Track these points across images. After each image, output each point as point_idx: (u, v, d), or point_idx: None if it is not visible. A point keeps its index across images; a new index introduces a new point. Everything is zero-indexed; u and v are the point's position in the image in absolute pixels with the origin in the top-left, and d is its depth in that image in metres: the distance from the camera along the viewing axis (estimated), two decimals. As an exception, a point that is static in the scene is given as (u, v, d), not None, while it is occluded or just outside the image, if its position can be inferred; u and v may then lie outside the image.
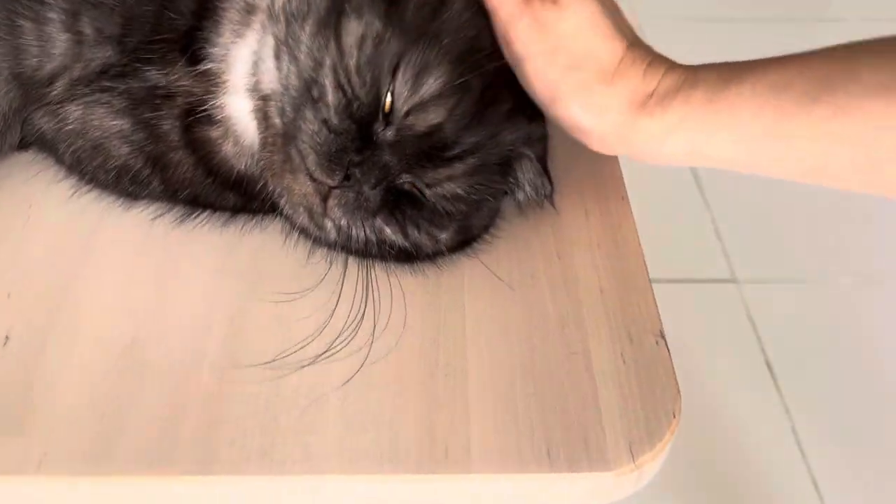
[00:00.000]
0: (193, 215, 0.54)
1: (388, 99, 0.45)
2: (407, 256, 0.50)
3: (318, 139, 0.44)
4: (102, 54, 0.50)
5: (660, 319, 0.49)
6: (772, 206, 1.67)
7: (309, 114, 0.45)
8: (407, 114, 0.45)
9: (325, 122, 0.44)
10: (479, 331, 0.48)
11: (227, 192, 0.53)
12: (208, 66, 0.49)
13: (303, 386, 0.45)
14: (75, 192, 0.55)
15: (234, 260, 0.52)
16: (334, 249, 0.51)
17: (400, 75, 0.44)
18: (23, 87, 0.53)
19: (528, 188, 0.53)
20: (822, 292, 1.63)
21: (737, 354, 1.51)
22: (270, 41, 0.47)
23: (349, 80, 0.44)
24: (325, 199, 0.46)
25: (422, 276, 0.51)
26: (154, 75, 0.50)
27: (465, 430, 0.43)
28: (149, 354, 0.46)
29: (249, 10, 0.49)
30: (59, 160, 0.56)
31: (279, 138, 0.47)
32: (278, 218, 0.54)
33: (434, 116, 0.45)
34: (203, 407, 0.44)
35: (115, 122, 0.51)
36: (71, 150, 0.54)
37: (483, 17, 0.50)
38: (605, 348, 0.47)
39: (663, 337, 0.48)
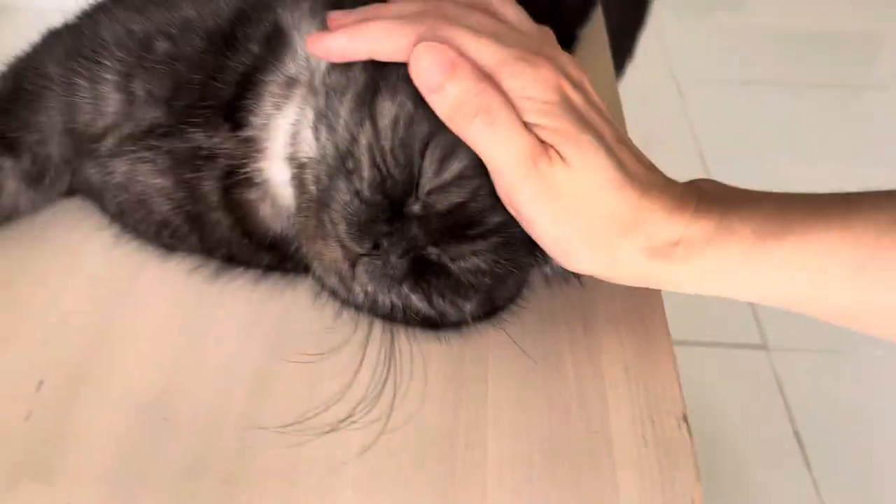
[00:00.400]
0: (227, 271, 0.55)
1: (420, 179, 0.46)
2: (432, 324, 0.51)
3: (349, 209, 0.46)
4: (151, 114, 0.53)
5: (683, 402, 0.49)
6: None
7: (342, 184, 0.46)
8: (429, 193, 0.46)
9: (357, 193, 0.46)
10: (500, 404, 0.48)
11: (262, 252, 0.54)
12: (250, 133, 0.51)
13: (322, 451, 0.45)
14: (117, 241, 0.57)
15: (265, 317, 0.53)
16: (361, 312, 0.52)
17: (427, 156, 0.46)
18: (75, 140, 0.55)
19: (554, 263, 0.53)
20: (854, 363, 1.60)
21: (765, 422, 1.49)
22: (310, 113, 0.49)
23: (384, 160, 0.46)
24: (353, 265, 0.48)
25: (447, 345, 0.52)
26: (198, 137, 0.51)
27: (480, 501, 0.43)
28: (175, 408, 0.47)
29: (290, 84, 0.51)
30: (104, 209, 0.58)
31: (313, 204, 0.48)
32: (310, 278, 0.55)
33: (455, 197, 0.46)
34: (224, 465, 0.44)
35: (157, 181, 0.53)
36: (116, 201, 0.56)
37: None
38: (626, 429, 0.47)
39: (686, 420, 0.48)
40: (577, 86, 0.47)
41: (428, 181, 0.46)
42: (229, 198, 0.52)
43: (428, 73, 0.44)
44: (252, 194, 0.52)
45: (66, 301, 0.53)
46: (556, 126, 0.44)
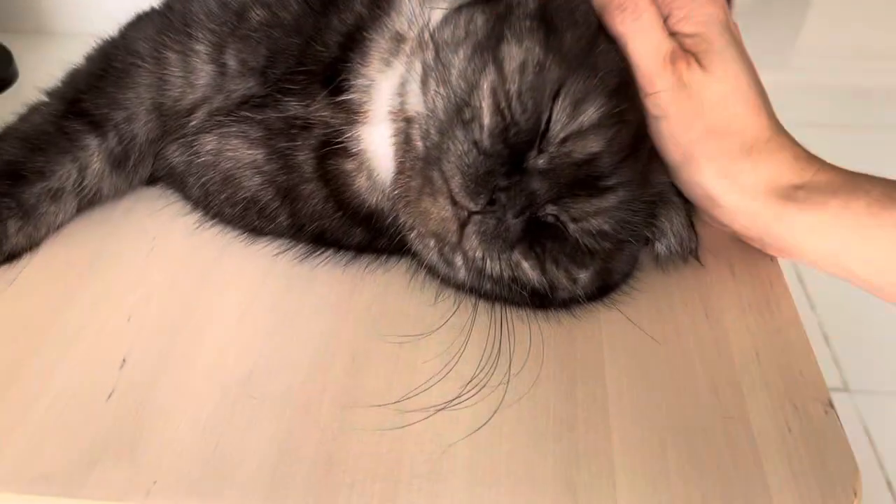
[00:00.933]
0: (317, 253, 0.52)
1: (549, 127, 0.43)
2: (540, 301, 0.46)
3: (466, 160, 0.42)
4: (244, 85, 0.51)
5: (826, 388, 0.44)
6: (881, 311, 1.57)
7: (459, 134, 0.43)
8: (564, 140, 0.43)
9: (475, 143, 0.42)
10: (620, 385, 0.44)
11: (355, 228, 0.51)
12: (350, 97, 0.48)
13: (428, 431, 0.41)
14: (199, 226, 0.55)
15: (357, 298, 0.49)
16: (462, 290, 0.48)
17: (559, 102, 0.42)
18: (162, 118, 0.53)
19: (672, 239, 0.49)
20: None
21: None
22: (418, 67, 0.46)
23: (509, 105, 0.43)
24: (462, 226, 0.44)
25: (555, 325, 0.47)
26: (293, 106, 0.49)
27: (611, 488, 0.38)
28: (266, 388, 0.43)
29: (399, 39, 0.48)
30: (187, 195, 0.56)
31: (419, 162, 0.45)
32: (403, 259, 0.51)
33: (594, 145, 0.43)
34: (320, 445, 0.40)
35: (249, 152, 0.51)
36: (200, 182, 0.53)
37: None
38: (766, 415, 0.42)
39: (832, 406, 0.43)
40: (726, 19, 0.48)
41: (563, 127, 0.43)
42: (324, 168, 0.49)
43: None
44: (348, 164, 0.49)
45: (148, 282, 0.50)
46: (703, 36, 0.46)
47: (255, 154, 0.51)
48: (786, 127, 0.48)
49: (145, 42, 0.53)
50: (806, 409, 0.42)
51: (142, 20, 0.56)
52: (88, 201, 0.55)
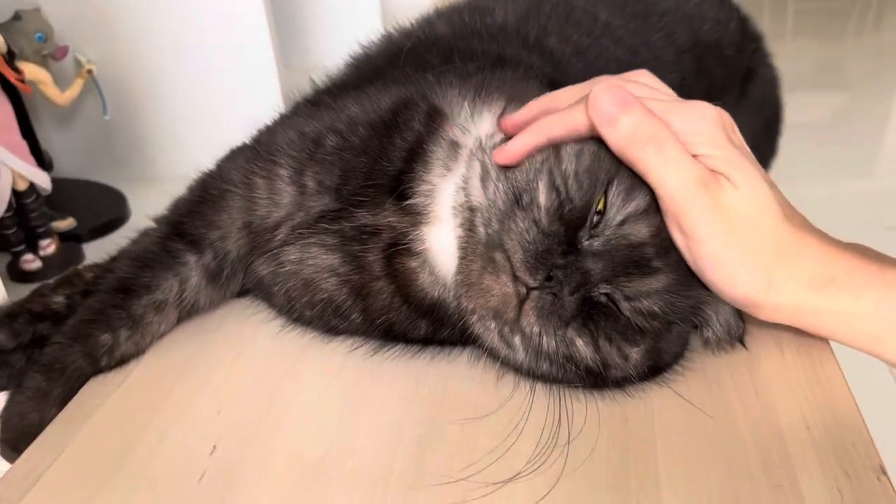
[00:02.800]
0: (386, 348, 0.57)
1: (600, 207, 0.48)
2: (594, 379, 0.49)
3: (527, 237, 0.47)
4: (321, 202, 0.58)
5: (879, 455, 0.44)
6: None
7: (520, 215, 0.48)
8: (622, 223, 0.48)
9: (535, 222, 0.48)
10: (672, 460, 0.46)
11: (420, 320, 0.56)
12: (415, 201, 0.55)
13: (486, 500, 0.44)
14: (282, 330, 0.61)
15: (421, 387, 0.54)
16: (520, 373, 0.51)
17: (613, 188, 0.48)
18: (251, 235, 0.61)
19: (718, 327, 0.52)
20: None
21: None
22: (477, 167, 0.53)
23: (565, 183, 0.48)
24: (521, 302, 0.48)
25: (609, 403, 0.50)
26: (364, 216, 0.56)
27: (663, 556, 0.40)
28: (338, 469, 0.47)
29: (454, 147, 0.55)
30: (272, 303, 0.63)
31: (481, 246, 0.50)
32: (466, 349, 0.56)
33: (645, 229, 0.48)
34: (389, 521, 0.43)
35: (325, 258, 0.57)
36: (284, 289, 0.60)
37: None
38: (817, 484, 0.43)
39: (885, 473, 0.43)
40: (732, 128, 0.51)
41: (619, 210, 0.48)
42: (391, 267, 0.55)
43: (605, 108, 0.48)
44: (412, 262, 0.55)
45: (236, 379, 0.56)
46: (725, 155, 0.48)
47: (332, 259, 0.57)
48: (869, 230, 0.50)
49: (236, 171, 0.61)
50: (858, 476, 0.43)
51: (234, 153, 0.65)
52: (187, 312, 0.62)
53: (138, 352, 0.59)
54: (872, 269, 0.47)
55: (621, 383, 0.50)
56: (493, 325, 0.51)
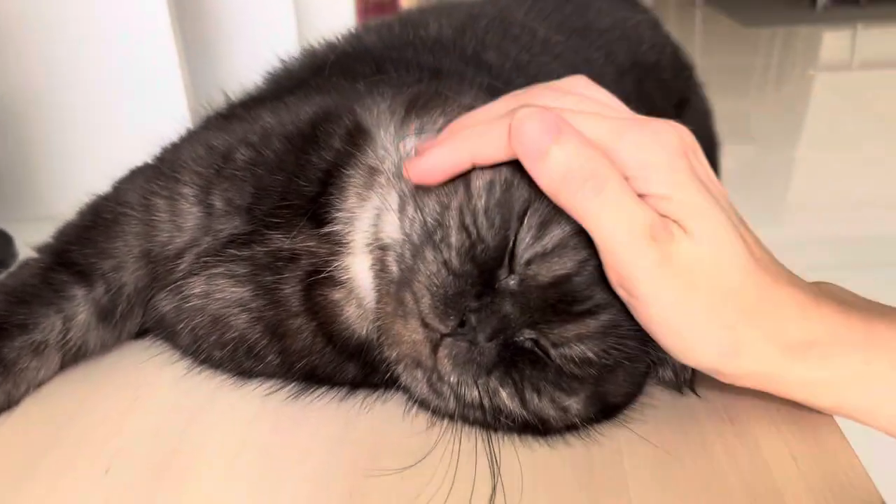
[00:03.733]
0: (309, 391, 0.49)
1: (516, 246, 0.41)
2: (533, 432, 0.43)
3: (435, 280, 0.41)
4: (230, 224, 0.50)
5: (876, 489, 0.39)
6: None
7: (429, 254, 0.41)
8: (529, 262, 0.41)
9: (444, 263, 0.41)
10: (646, 502, 0.39)
11: (347, 363, 0.49)
12: (334, 228, 0.48)
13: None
14: (187, 373, 0.52)
15: (352, 433, 0.46)
16: (454, 421, 0.44)
17: (526, 221, 0.41)
18: (150, 265, 0.52)
19: (669, 369, 0.47)
20: None
21: None
22: (394, 197, 0.46)
23: (475, 221, 0.41)
24: (435, 350, 0.41)
25: (570, 448, 0.43)
26: (279, 238, 0.49)
27: None
28: (255, 532, 0.39)
29: (373, 173, 0.48)
30: (176, 343, 0.54)
31: (393, 286, 0.43)
32: (400, 392, 0.48)
33: (558, 268, 0.41)
34: None
35: (234, 290, 0.49)
36: (189, 327, 0.52)
37: None
38: (814, 523, 0.37)
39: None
40: (695, 154, 0.42)
41: (527, 248, 0.41)
42: (312, 300, 0.48)
43: (531, 138, 0.39)
44: (336, 294, 0.47)
45: (129, 431, 0.47)
46: (681, 196, 0.39)
47: (242, 291, 0.49)
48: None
49: (134, 192, 0.53)
50: (858, 513, 0.38)
51: (133, 173, 0.57)
52: (73, 356, 0.52)
53: (10, 403, 0.49)
54: (857, 326, 0.40)
55: (567, 430, 0.44)
56: (419, 374, 0.44)
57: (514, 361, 0.42)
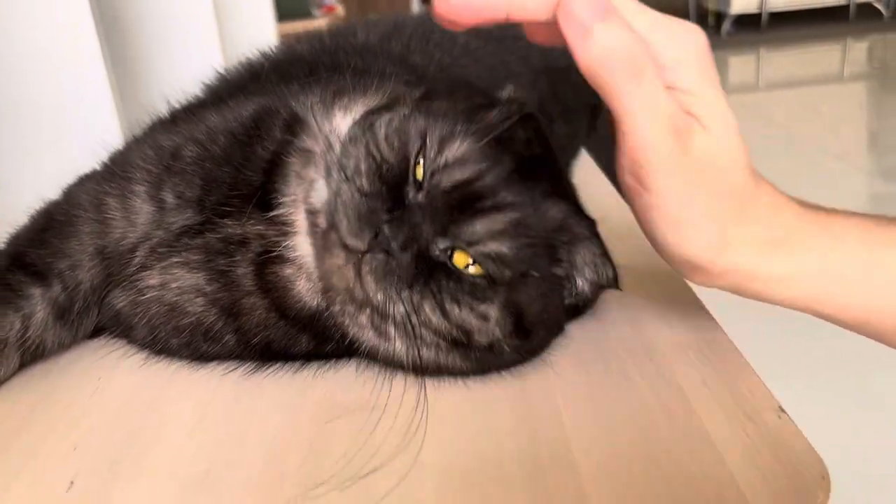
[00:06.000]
0: (265, 367, 0.53)
1: (420, 163, 0.46)
2: (464, 352, 0.47)
3: (350, 205, 0.46)
4: (182, 217, 0.53)
5: (774, 397, 0.45)
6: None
7: (344, 189, 0.46)
8: (433, 173, 0.46)
9: (358, 189, 0.46)
10: (580, 427, 0.44)
11: (301, 335, 0.52)
12: (280, 211, 0.52)
13: (394, 495, 0.40)
14: (145, 363, 0.55)
15: (309, 395, 0.49)
16: (406, 369, 0.48)
17: (428, 141, 0.46)
18: (105, 262, 0.55)
19: (587, 272, 0.51)
20: None
21: None
22: (323, 167, 0.50)
23: (378, 147, 0.47)
24: (359, 272, 0.46)
25: (505, 386, 0.48)
26: (230, 225, 0.52)
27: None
28: (224, 482, 0.42)
29: (308, 155, 0.52)
30: (133, 338, 0.56)
31: (321, 235, 0.48)
32: (351, 360, 0.52)
33: (460, 174, 0.46)
34: (285, 527, 0.39)
35: (190, 277, 0.52)
36: (146, 319, 0.54)
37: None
38: (725, 430, 0.43)
39: (784, 411, 0.44)
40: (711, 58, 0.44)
41: (430, 163, 0.46)
42: (264, 279, 0.51)
43: (579, 14, 0.39)
44: (286, 269, 0.51)
45: (94, 415, 0.49)
46: (705, 96, 0.42)
47: (197, 277, 0.52)
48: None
49: (86, 194, 0.56)
50: (762, 418, 0.43)
51: (83, 178, 0.60)
52: (32, 354, 0.54)
53: (-30, 402, 0.51)
54: (817, 221, 0.45)
55: (498, 357, 0.48)
56: (363, 318, 0.48)
57: (432, 275, 0.46)
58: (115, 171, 0.56)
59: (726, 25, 5.78)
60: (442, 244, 0.46)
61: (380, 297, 0.46)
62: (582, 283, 0.52)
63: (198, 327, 0.53)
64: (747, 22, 5.82)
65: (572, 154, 0.84)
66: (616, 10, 0.40)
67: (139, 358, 0.55)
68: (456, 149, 0.46)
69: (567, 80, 0.82)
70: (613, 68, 0.39)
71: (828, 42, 5.46)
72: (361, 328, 0.49)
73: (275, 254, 0.51)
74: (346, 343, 0.50)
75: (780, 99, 4.24)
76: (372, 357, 0.50)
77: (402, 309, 0.46)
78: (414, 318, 0.46)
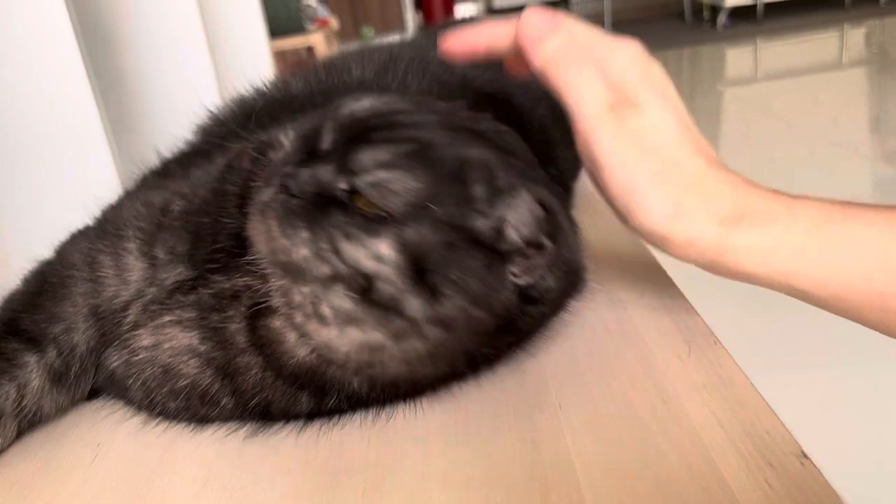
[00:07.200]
0: (267, 428, 0.51)
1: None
2: (371, 305, 0.43)
3: (277, 171, 0.46)
4: (174, 272, 0.52)
5: (796, 441, 0.43)
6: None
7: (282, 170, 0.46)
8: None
9: (285, 160, 0.47)
10: (592, 476, 0.42)
11: (299, 393, 0.50)
12: (255, 256, 0.48)
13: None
14: (144, 427, 0.53)
15: (313, 459, 0.48)
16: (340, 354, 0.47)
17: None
18: (99, 322, 0.54)
19: (522, 229, 0.45)
20: None
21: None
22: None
23: (308, 128, 0.47)
24: (268, 223, 0.45)
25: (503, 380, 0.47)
26: (220, 279, 0.51)
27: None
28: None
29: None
30: (129, 398, 0.55)
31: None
32: (356, 417, 0.51)
33: (363, 113, 0.47)
34: None
35: (184, 336, 0.51)
36: (140, 380, 0.53)
37: None
38: (744, 476, 0.41)
39: (807, 456, 0.42)
40: (651, 66, 0.51)
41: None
42: (256, 334, 0.50)
43: (535, 27, 0.51)
44: (276, 321, 0.49)
45: (93, 488, 0.48)
46: (639, 83, 0.49)
47: (191, 337, 0.51)
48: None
49: (79, 253, 0.55)
50: (783, 464, 0.41)
51: (75, 236, 0.59)
52: (29, 422, 0.53)
53: (-32, 476, 0.50)
54: (781, 201, 0.47)
55: (416, 328, 0.43)
56: (298, 297, 0.46)
57: (325, 207, 0.44)
58: (108, 229, 0.55)
59: (722, 18, 5.75)
60: (342, 184, 0.44)
61: (284, 242, 0.44)
62: (513, 235, 0.44)
63: (194, 390, 0.51)
64: (742, 13, 5.80)
65: (572, 176, 0.82)
66: (563, 24, 0.51)
67: (138, 420, 0.54)
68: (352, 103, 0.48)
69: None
70: (559, 63, 0.50)
71: (825, 30, 5.43)
72: (307, 319, 0.46)
73: (264, 305, 0.49)
74: (350, 396, 0.49)
75: (779, 89, 4.21)
76: (333, 386, 0.49)
77: (304, 251, 0.43)
78: (330, 271, 0.43)
